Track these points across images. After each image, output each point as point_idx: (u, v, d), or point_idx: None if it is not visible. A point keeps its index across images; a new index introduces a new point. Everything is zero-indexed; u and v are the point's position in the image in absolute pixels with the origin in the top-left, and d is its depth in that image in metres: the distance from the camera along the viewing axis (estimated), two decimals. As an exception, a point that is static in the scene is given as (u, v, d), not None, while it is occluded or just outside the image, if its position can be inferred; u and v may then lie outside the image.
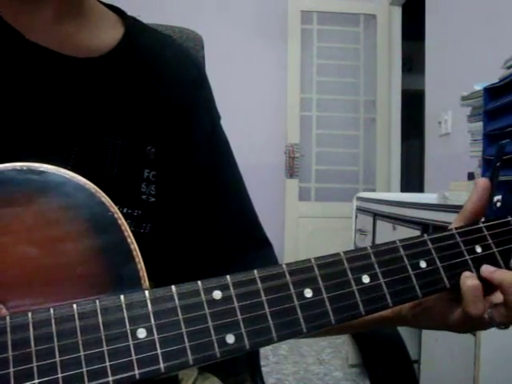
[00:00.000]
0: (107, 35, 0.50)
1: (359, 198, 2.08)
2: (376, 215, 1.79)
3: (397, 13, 3.16)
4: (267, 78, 3.14)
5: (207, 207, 0.53)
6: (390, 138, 3.15)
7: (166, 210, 0.50)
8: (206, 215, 0.53)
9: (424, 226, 1.28)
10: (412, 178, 4.16)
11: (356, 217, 2.09)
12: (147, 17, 0.65)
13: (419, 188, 3.17)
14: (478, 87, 1.30)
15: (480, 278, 0.40)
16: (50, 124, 0.44)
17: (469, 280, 0.39)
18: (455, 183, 1.44)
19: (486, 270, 0.40)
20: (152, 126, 0.50)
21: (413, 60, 4.06)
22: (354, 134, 3.16)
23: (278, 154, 3.09)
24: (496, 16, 1.83)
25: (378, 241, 1.74)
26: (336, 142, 3.15)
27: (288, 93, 3.08)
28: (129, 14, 0.54)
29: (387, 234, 1.63)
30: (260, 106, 3.14)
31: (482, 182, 0.43)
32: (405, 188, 3.47)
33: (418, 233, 1.26)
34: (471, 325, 0.41)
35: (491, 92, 1.21)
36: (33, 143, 0.43)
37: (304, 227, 3.06)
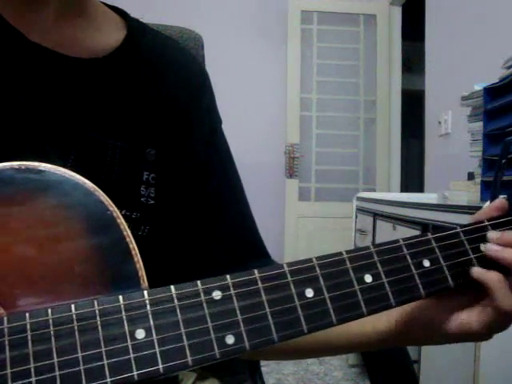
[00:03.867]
0: (109, 36, 0.49)
1: (359, 198, 2.08)
2: (376, 215, 1.79)
3: (397, 13, 3.16)
4: (267, 78, 3.14)
5: (202, 214, 0.52)
6: (390, 138, 3.15)
7: (165, 213, 0.49)
8: (201, 222, 0.52)
9: (424, 226, 1.28)
10: (412, 178, 4.16)
11: (356, 217, 2.09)
12: (147, 17, 0.64)
13: (419, 188, 3.16)
14: (478, 87, 1.30)
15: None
16: (50, 124, 0.44)
17: (491, 274, 0.37)
18: (455, 183, 1.44)
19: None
20: (152, 128, 0.49)
21: (413, 60, 4.05)
22: (354, 133, 3.16)
23: (278, 154, 3.09)
24: (496, 16, 1.83)
25: (378, 241, 1.74)
26: (336, 142, 3.14)
27: (288, 93, 3.07)
28: (131, 14, 0.54)
29: (387, 234, 1.63)
30: (260, 106, 3.13)
31: (501, 202, 0.42)
32: (405, 188, 3.47)
33: (417, 233, 1.26)
34: (503, 324, 0.39)
35: (491, 92, 1.21)
36: (32, 143, 0.43)
37: (304, 227, 3.05)
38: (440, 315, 0.41)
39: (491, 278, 0.38)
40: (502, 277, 0.37)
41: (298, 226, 3.06)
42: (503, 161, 0.41)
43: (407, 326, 0.44)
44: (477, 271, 0.39)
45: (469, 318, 0.40)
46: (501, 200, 0.42)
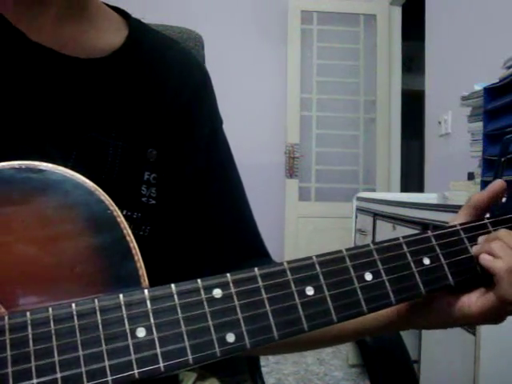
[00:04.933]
0: (111, 36, 0.50)
1: (359, 198, 2.08)
2: (376, 215, 1.79)
3: (397, 13, 3.16)
4: (267, 78, 3.14)
5: (202, 214, 0.52)
6: (390, 138, 3.15)
7: (166, 213, 0.49)
8: (202, 223, 0.52)
9: (424, 226, 1.28)
10: (412, 177, 4.16)
11: (356, 217, 2.09)
12: (147, 17, 0.64)
13: (419, 188, 3.16)
14: (478, 87, 1.30)
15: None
16: (51, 124, 0.44)
17: (499, 262, 0.37)
18: (455, 183, 1.44)
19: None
20: (153, 128, 0.49)
21: (413, 60, 4.05)
22: (354, 134, 3.16)
23: (278, 154, 3.09)
24: (496, 16, 1.83)
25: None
26: (336, 141, 3.14)
27: (288, 93, 3.07)
28: (132, 15, 0.54)
29: (387, 234, 1.63)
30: (260, 106, 3.14)
31: (500, 183, 0.42)
32: (405, 188, 3.47)
33: (418, 233, 1.26)
34: (504, 312, 0.39)
35: (491, 92, 1.21)
36: (33, 143, 0.43)
37: (304, 227, 3.05)
38: (441, 298, 0.41)
39: (499, 266, 0.37)
40: (509, 266, 0.37)
41: (298, 226, 3.06)
42: (502, 159, 0.41)
43: (407, 309, 0.44)
44: (485, 258, 0.39)
45: (469, 300, 0.40)
46: (499, 181, 0.41)
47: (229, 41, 3.04)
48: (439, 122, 2.33)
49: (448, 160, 2.20)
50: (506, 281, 0.37)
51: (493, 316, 0.39)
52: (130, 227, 0.35)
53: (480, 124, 1.26)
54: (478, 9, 1.99)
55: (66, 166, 0.36)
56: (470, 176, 1.40)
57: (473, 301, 0.39)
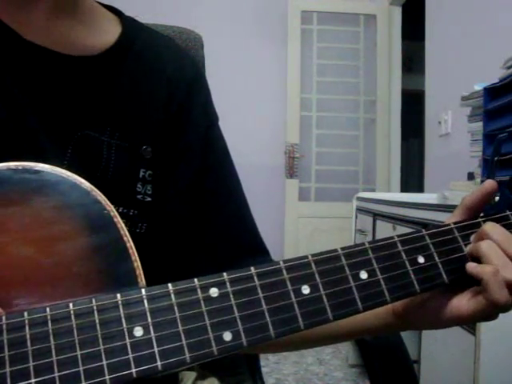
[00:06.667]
0: (104, 34, 0.50)
1: (359, 198, 2.08)
2: (376, 215, 1.79)
3: (397, 13, 3.16)
4: (267, 78, 3.14)
5: (199, 211, 0.52)
6: (389, 138, 3.15)
7: (162, 210, 0.49)
8: (199, 219, 0.52)
9: (424, 226, 1.27)
10: (412, 178, 4.16)
11: (356, 217, 2.09)
12: (147, 17, 0.64)
13: (419, 188, 3.16)
14: (478, 87, 1.30)
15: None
16: (45, 122, 0.44)
17: (486, 267, 0.37)
18: (455, 183, 1.44)
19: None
20: (148, 125, 0.49)
21: (413, 60, 4.06)
22: (354, 134, 3.16)
23: (278, 154, 3.09)
24: (496, 16, 1.83)
25: (378, 241, 1.74)
26: (336, 142, 3.14)
27: (288, 93, 3.08)
28: (128, 14, 0.54)
29: (387, 234, 1.62)
30: (260, 106, 3.14)
31: (491, 183, 0.42)
32: (405, 188, 3.47)
33: (417, 232, 1.26)
34: (495, 312, 0.39)
35: (491, 92, 1.21)
36: (28, 141, 0.43)
37: (304, 227, 3.05)
38: (434, 299, 0.41)
39: (486, 271, 0.38)
40: (496, 270, 0.37)
41: (298, 226, 3.06)
42: (495, 159, 0.41)
43: (403, 310, 0.44)
44: (471, 266, 0.39)
45: (460, 301, 0.40)
46: (489, 182, 0.41)
47: (229, 41, 3.04)
48: (439, 122, 2.33)
49: (448, 160, 2.20)
50: (494, 284, 0.37)
51: (484, 317, 0.39)
52: (126, 224, 0.35)
53: (480, 124, 1.26)
54: (477, 9, 1.99)
55: (61, 165, 0.36)
56: (470, 176, 1.41)
57: (463, 303, 0.39)
